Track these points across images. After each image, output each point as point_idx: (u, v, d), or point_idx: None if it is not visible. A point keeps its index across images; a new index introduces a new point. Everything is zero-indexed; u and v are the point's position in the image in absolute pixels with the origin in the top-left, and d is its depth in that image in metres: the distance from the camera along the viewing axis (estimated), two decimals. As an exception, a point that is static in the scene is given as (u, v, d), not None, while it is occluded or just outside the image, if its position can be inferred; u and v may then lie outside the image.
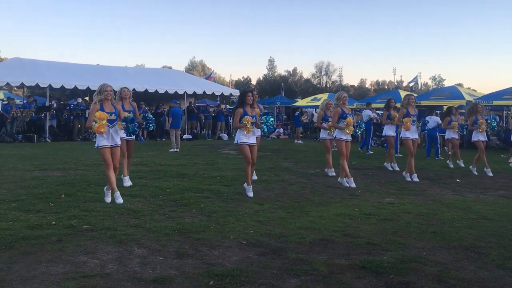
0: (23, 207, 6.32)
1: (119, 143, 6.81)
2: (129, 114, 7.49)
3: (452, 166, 12.40)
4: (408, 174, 9.79)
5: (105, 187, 6.93)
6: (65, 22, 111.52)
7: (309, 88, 73.50)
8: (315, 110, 30.31)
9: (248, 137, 7.62)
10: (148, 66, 62.05)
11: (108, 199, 6.76)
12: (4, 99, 23.39)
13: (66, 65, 23.05)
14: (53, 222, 5.51)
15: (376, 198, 7.74)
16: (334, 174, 10.04)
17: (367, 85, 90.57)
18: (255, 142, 7.86)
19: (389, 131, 11.81)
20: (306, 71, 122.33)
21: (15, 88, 30.08)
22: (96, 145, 6.70)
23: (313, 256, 4.51)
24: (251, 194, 7.53)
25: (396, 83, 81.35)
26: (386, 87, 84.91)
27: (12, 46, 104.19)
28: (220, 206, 6.73)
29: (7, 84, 19.83)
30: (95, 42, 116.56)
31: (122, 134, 7.11)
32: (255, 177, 8.14)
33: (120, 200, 6.68)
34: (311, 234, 5.31)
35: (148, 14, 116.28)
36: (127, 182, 8.26)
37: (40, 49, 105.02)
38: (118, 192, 6.79)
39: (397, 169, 11.24)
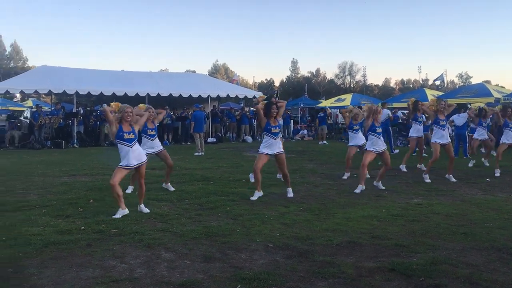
0: (53, 212, 6.45)
1: (144, 159, 6.61)
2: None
3: (487, 164, 12.12)
4: (427, 175, 9.57)
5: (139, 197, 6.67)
6: (90, 30, 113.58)
7: (332, 88, 73.13)
8: (339, 110, 30.13)
9: (271, 149, 7.54)
10: (171, 70, 62.82)
11: (119, 215, 6.23)
12: (33, 107, 23.93)
13: (92, 72, 23.45)
14: (82, 227, 5.60)
15: (404, 199, 7.62)
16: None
17: (392, 84, 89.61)
18: (280, 150, 7.67)
19: (413, 133, 11.68)
20: (330, 72, 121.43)
21: (43, 96, 30.79)
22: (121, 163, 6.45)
23: (341, 258, 4.46)
24: (254, 198, 7.49)
25: (421, 82, 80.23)
26: (411, 86, 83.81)
27: (39, 55, 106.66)
28: (245, 209, 6.73)
29: (36, 91, 20.31)
30: (119, 48, 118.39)
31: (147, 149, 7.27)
32: (291, 194, 7.73)
33: (118, 216, 6.19)
34: (338, 236, 5.26)
35: (171, 19, 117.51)
36: (170, 188, 8.40)
37: (66, 56, 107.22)
38: (126, 209, 6.37)
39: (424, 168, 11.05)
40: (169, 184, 8.44)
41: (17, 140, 19.15)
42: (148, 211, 6.47)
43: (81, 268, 4.19)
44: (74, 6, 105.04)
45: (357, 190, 8.16)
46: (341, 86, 79.33)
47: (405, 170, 11.14)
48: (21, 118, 23.08)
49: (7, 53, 67.11)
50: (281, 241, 5.04)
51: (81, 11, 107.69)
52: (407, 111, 15.55)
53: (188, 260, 4.42)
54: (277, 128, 7.64)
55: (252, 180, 8.73)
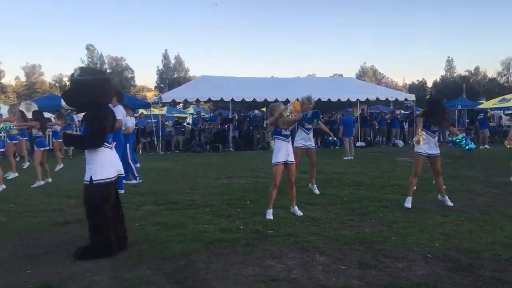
0: (214, 212, 6.99)
1: (293, 160, 6.72)
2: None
3: None
4: None
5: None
6: (242, 41, 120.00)
7: (494, 87, 66.52)
8: (503, 112, 27.29)
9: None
10: (318, 75, 63.24)
11: (270, 216, 6.48)
12: (194, 113, 26.17)
13: (245, 80, 24.83)
14: (241, 227, 5.97)
15: None
16: None
17: None
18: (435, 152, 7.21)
19: None
20: (491, 70, 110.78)
21: (202, 103, 33.40)
22: (273, 161, 6.58)
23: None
24: (408, 205, 7.07)
25: None
26: None
27: (199, 65, 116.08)
28: (400, 216, 6.50)
29: (197, 99, 22.20)
30: (268, 56, 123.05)
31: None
32: (450, 203, 7.16)
33: (270, 216, 6.46)
34: (507, 251, 4.80)
35: (317, 25, 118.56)
36: (316, 190, 8.55)
37: (221, 66, 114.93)
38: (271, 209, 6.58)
39: None
40: (315, 185, 8.58)
41: (181, 144, 21.13)
42: (301, 214, 6.63)
43: (243, 265, 4.48)
44: (231, 22, 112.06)
45: None
46: (505, 84, 71.76)
47: None
48: (185, 124, 25.37)
49: (171, 65, 74.26)
50: (441, 252, 4.78)
51: (233, 24, 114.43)
52: None
53: (343, 265, 4.44)
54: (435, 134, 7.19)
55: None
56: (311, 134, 8.53)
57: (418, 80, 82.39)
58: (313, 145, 8.63)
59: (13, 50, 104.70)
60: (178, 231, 5.78)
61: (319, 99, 21.43)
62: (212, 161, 15.45)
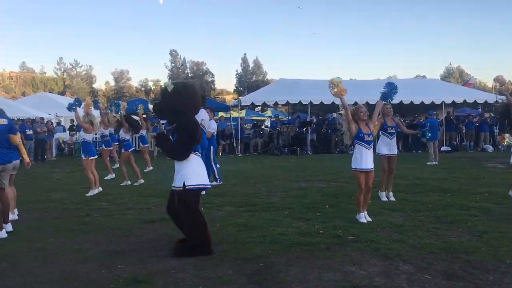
0: (294, 214, 7.00)
1: (372, 167, 6.56)
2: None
3: None
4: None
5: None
6: (319, 43, 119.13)
7: None
8: None
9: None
10: (400, 77, 61.19)
11: (363, 219, 6.45)
12: (272, 116, 26.39)
13: (323, 82, 24.38)
14: (321, 231, 5.93)
15: None
16: None
17: None
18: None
19: None
20: None
21: (280, 106, 33.57)
22: (353, 166, 6.53)
23: None
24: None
25: None
26: None
27: (277, 69, 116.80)
28: (490, 226, 6.12)
29: (275, 103, 22.36)
30: (346, 58, 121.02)
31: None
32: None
33: (363, 220, 6.42)
34: None
35: (395, 25, 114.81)
36: (390, 198, 8.18)
37: (298, 68, 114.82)
38: (365, 212, 6.53)
39: None
40: (383, 193, 8.28)
41: (260, 146, 21.39)
42: (370, 220, 6.50)
43: (323, 270, 4.45)
44: (309, 24, 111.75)
45: None
46: None
47: None
48: (263, 127, 25.65)
49: (250, 68, 75.42)
50: (538, 266, 4.44)
51: (311, 26, 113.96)
52: None
53: (428, 275, 4.26)
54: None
55: None
56: (394, 139, 8.23)
57: (510, 81, 77.07)
58: (397, 151, 8.32)
59: (104, 57, 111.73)
60: (258, 233, 5.87)
61: (401, 101, 20.74)
62: (290, 164, 15.49)
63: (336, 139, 21.17)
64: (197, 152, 5.29)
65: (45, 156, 18.76)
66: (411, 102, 20.89)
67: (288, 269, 4.49)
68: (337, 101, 20.75)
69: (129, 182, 10.72)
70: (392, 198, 8.14)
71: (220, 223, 6.48)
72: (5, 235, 6.00)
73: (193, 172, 5.11)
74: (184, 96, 5.15)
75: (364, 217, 6.47)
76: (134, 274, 4.42)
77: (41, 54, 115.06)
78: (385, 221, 6.43)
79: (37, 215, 7.40)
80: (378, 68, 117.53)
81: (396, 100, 20.49)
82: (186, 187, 5.04)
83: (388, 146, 8.14)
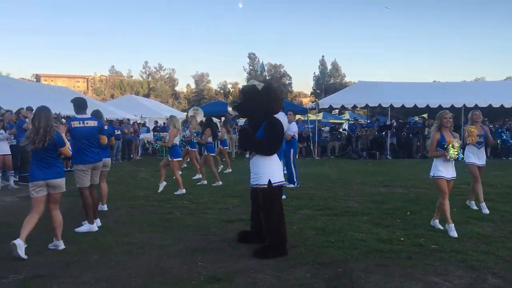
0: (373, 220, 6.84)
1: (455, 175, 6.26)
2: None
3: None
4: None
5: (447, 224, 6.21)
6: (400, 44, 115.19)
7: None
8: None
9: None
10: (488, 79, 57.70)
11: (453, 233, 5.99)
12: (350, 119, 25.95)
13: (404, 85, 23.77)
14: (402, 238, 5.74)
15: None
16: None
17: None
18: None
19: None
20: None
21: (358, 109, 32.90)
22: (431, 174, 6.32)
23: None
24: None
25: None
26: None
27: (356, 71, 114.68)
28: None
29: (354, 105, 21.96)
30: (428, 59, 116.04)
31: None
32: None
33: (454, 233, 5.93)
34: None
35: (481, 22, 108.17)
36: (484, 209, 7.53)
37: (379, 70, 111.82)
38: (452, 224, 6.05)
39: None
40: (472, 201, 7.82)
41: (337, 150, 21.10)
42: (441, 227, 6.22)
43: (404, 279, 4.31)
44: (388, 25, 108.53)
45: None
46: None
47: None
48: (340, 130, 25.28)
49: (328, 71, 74.72)
50: None
51: (390, 27, 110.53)
52: None
53: (521, 291, 3.99)
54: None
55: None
56: (483, 149, 7.71)
57: None
58: (485, 161, 7.79)
59: (185, 60, 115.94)
60: (336, 238, 5.80)
61: (490, 105, 19.57)
62: (369, 168, 15.13)
63: (418, 143, 20.38)
64: None
65: (131, 155, 19.79)
66: (501, 106, 19.62)
67: (368, 276, 4.39)
68: (420, 104, 19.99)
69: (205, 182, 11.02)
70: (486, 210, 7.46)
71: (297, 226, 6.49)
72: (96, 228, 6.42)
73: (276, 169, 5.30)
74: (271, 96, 5.32)
75: (453, 229, 5.99)
76: (214, 272, 4.55)
77: (128, 59, 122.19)
78: (472, 231, 6.10)
79: (124, 211, 7.83)
80: (464, 70, 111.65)
81: (484, 103, 19.58)
82: (274, 184, 5.19)
83: (477, 156, 7.63)
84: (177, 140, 9.74)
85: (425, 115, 23.86)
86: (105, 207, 7.80)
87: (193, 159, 12.08)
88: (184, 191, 9.61)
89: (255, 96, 5.32)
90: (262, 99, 5.27)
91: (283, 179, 5.40)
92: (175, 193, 9.52)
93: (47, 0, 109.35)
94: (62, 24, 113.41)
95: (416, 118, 21.54)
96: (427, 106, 19.95)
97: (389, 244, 5.52)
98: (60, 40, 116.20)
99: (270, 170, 5.23)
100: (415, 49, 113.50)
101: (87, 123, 6.51)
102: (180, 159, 9.80)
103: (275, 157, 5.35)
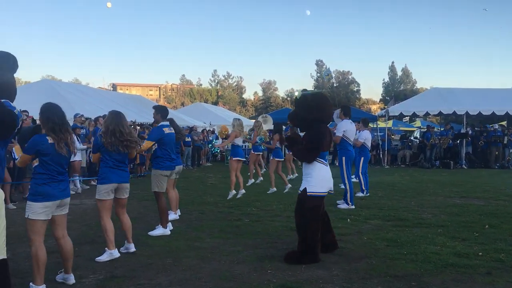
0: (448, 233, 6.55)
1: None
2: None
3: None
4: None
5: None
6: (474, 48, 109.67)
7: None
8: None
9: None
10: None
11: None
12: (422, 127, 25.05)
13: (480, 91, 22.66)
14: (480, 253, 5.45)
15: None
16: None
17: None
18: None
19: None
20: None
21: (430, 116, 31.77)
22: None
23: None
24: None
25: None
26: None
27: (428, 77, 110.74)
28: None
29: (426, 113, 21.18)
30: (508, 64, 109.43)
31: None
32: None
33: None
34: None
35: None
36: None
37: (453, 76, 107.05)
38: None
39: None
40: None
41: (408, 158, 20.43)
42: None
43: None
44: (463, 29, 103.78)
45: None
46: None
47: None
48: (411, 138, 24.47)
49: (398, 77, 72.65)
50: None
51: (466, 31, 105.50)
52: None
53: None
54: None
55: None
56: None
57: None
58: None
59: (253, 68, 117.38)
60: (408, 250, 5.62)
61: None
62: (443, 178, 14.50)
63: (497, 152, 19.28)
64: (322, 161, 5.42)
65: (201, 162, 20.30)
66: None
67: (444, 292, 4.22)
68: (498, 112, 19.04)
69: (275, 189, 11.06)
70: None
71: (367, 236, 6.35)
72: (169, 232, 6.64)
73: (316, 179, 5.29)
74: (311, 105, 5.39)
75: None
76: (283, 281, 4.55)
77: (198, 67, 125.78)
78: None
79: (195, 216, 8.04)
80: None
81: None
82: (308, 193, 5.25)
83: None
84: (239, 141, 9.85)
85: (504, 123, 22.56)
86: (177, 215, 7.71)
87: (251, 163, 12.22)
88: (234, 192, 9.77)
89: (301, 104, 5.52)
90: (307, 107, 5.39)
91: (323, 191, 5.33)
92: (228, 197, 9.68)
93: (122, 15, 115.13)
94: (136, 35, 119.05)
95: (496, 126, 20.39)
96: (506, 113, 18.88)
97: (466, 258, 5.26)
98: (135, 51, 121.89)
99: (309, 178, 5.32)
100: (492, 53, 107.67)
101: (171, 130, 6.89)
102: (239, 158, 9.90)
103: (319, 168, 5.34)
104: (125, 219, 5.71)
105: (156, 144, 6.78)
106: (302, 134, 6.09)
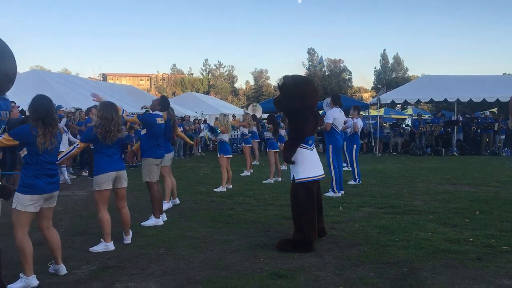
0: (439, 219, 6.60)
1: None
2: None
3: None
4: None
5: None
6: (464, 37, 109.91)
7: None
8: None
9: None
10: None
11: None
12: (413, 115, 25.13)
13: (471, 78, 22.76)
14: (470, 239, 5.50)
15: None
16: None
17: None
18: None
19: None
20: None
21: (422, 103, 31.85)
22: None
23: None
24: None
25: None
26: None
27: (419, 65, 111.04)
28: None
29: (418, 100, 21.26)
30: (497, 50, 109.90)
31: None
32: None
33: None
34: None
35: None
36: None
37: (444, 64, 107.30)
38: None
39: None
40: None
41: (400, 146, 20.53)
42: None
43: (474, 281, 4.14)
44: (452, 16, 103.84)
45: None
46: None
47: None
48: (403, 125, 24.56)
49: (389, 65, 72.64)
50: None
51: (455, 18, 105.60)
52: None
53: None
54: None
55: None
56: None
57: None
58: None
59: (244, 57, 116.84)
60: (400, 237, 5.66)
61: None
62: (434, 166, 14.59)
63: (487, 139, 19.42)
64: (305, 146, 5.36)
65: (193, 152, 20.26)
66: None
67: (435, 278, 4.25)
68: (489, 99, 19.17)
69: (272, 181, 11.07)
70: None
71: (359, 224, 6.39)
72: (162, 223, 6.63)
73: (302, 165, 5.28)
74: (292, 92, 5.27)
75: None
76: (276, 269, 4.57)
77: (189, 57, 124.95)
78: (549, 233, 5.73)
79: (187, 206, 8.05)
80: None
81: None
82: (296, 181, 5.28)
83: None
84: (225, 138, 9.86)
85: (495, 110, 22.70)
86: (177, 201, 8.20)
87: (248, 155, 12.38)
88: (224, 189, 9.66)
89: (282, 91, 5.41)
90: (288, 96, 5.31)
91: (312, 175, 5.28)
92: (214, 189, 9.68)
93: (111, 4, 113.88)
94: (126, 25, 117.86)
95: (487, 113, 20.51)
96: (497, 100, 18.99)
97: (457, 244, 5.31)
98: (124, 41, 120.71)
99: (296, 166, 5.31)
100: (483, 40, 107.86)
101: (162, 121, 6.90)
102: (229, 156, 9.92)
103: (303, 153, 5.31)
104: (126, 213, 5.68)
105: (141, 126, 6.90)
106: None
